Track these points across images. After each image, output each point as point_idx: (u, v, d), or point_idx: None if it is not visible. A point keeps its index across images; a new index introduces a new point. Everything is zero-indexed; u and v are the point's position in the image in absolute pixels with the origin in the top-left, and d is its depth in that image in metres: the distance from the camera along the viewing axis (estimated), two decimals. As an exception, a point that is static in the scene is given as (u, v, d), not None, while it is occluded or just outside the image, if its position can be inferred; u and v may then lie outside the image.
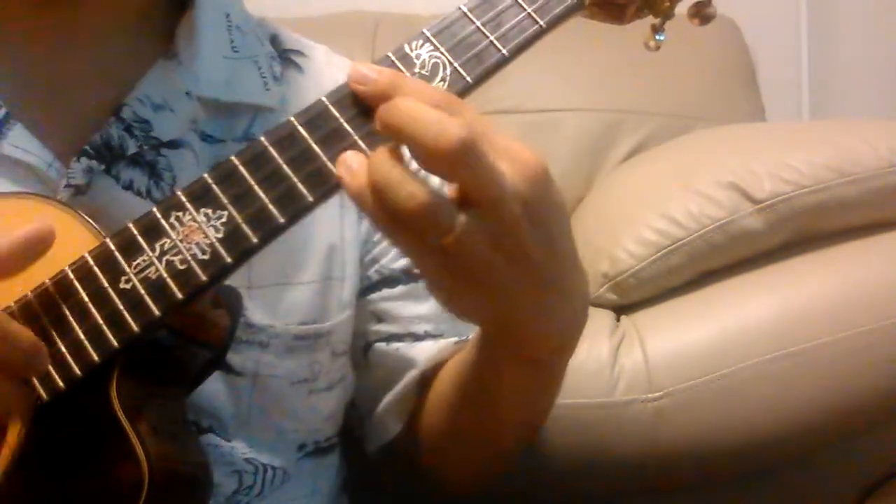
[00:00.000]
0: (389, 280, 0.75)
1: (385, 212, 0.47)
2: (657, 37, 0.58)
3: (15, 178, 0.62)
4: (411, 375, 0.75)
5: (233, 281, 0.55)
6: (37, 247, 0.53)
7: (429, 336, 0.75)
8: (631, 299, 0.98)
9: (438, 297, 0.54)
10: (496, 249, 0.49)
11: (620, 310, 0.98)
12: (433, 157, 0.46)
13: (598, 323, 0.95)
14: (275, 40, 0.75)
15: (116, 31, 0.67)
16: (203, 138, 0.67)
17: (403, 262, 0.75)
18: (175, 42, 0.67)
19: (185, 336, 0.56)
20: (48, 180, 0.63)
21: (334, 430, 0.75)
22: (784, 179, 0.94)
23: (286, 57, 0.74)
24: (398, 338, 0.75)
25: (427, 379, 0.75)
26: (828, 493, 0.95)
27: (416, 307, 0.75)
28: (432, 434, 0.74)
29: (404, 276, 0.75)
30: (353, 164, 0.49)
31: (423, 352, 0.75)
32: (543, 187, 0.49)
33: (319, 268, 0.71)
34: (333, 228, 0.72)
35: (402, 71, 0.51)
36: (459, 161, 0.46)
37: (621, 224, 1.02)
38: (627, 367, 0.90)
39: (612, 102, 1.38)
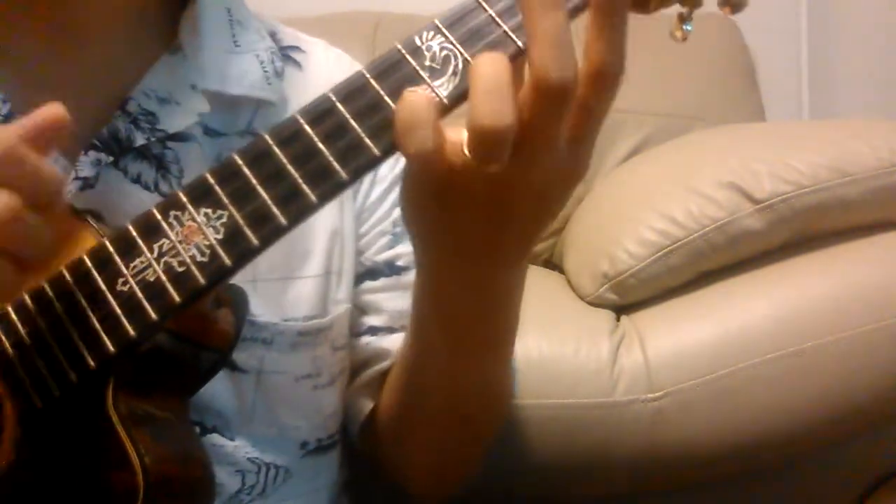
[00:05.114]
0: (372, 272, 0.75)
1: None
2: (685, 27, 0.55)
3: None
4: (383, 365, 0.74)
5: (239, 273, 0.55)
6: (48, 132, 0.50)
7: (404, 329, 0.74)
8: (631, 299, 0.98)
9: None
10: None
11: (620, 310, 0.98)
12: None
13: (598, 323, 0.95)
14: (273, 37, 0.75)
15: (117, 26, 0.68)
16: (206, 132, 0.68)
17: (387, 255, 0.75)
18: (179, 36, 0.68)
19: (188, 339, 0.55)
20: None
21: (336, 426, 0.75)
22: (784, 179, 0.94)
23: (285, 53, 0.75)
24: (374, 330, 0.75)
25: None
26: (827, 493, 0.95)
27: (398, 301, 0.74)
28: (387, 425, 0.74)
29: (386, 268, 0.75)
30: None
31: (396, 342, 0.74)
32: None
33: (323, 259, 0.71)
34: (334, 218, 0.72)
35: (412, 64, 0.48)
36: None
37: (621, 224, 1.02)
38: (627, 367, 0.90)
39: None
